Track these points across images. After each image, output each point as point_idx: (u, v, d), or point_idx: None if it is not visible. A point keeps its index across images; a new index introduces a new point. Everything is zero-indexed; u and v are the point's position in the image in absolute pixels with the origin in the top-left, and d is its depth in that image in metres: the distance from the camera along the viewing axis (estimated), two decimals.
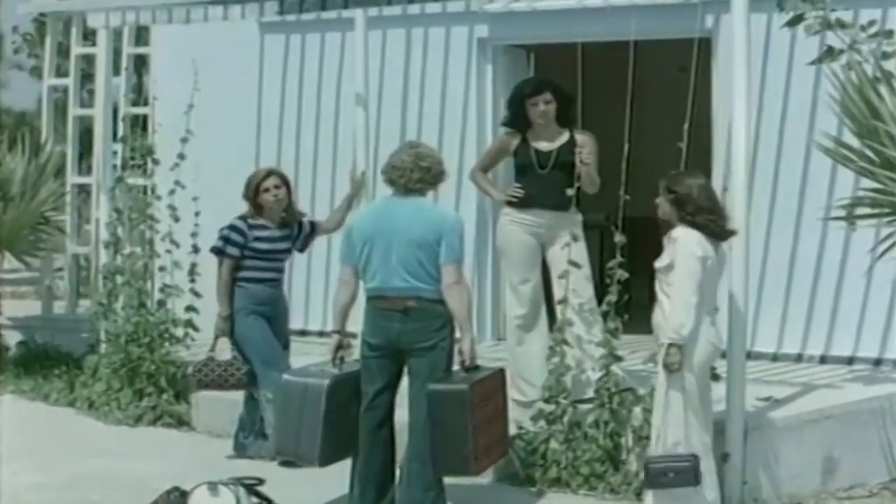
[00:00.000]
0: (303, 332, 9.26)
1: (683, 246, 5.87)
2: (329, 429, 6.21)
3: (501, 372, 6.38)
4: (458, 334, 6.12)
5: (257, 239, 7.36)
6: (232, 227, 7.38)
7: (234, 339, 7.36)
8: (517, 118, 7.34)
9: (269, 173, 7.53)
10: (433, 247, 6.06)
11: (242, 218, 7.41)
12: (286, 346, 7.58)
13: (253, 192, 7.41)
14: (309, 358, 7.85)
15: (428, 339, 6.08)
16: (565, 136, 7.26)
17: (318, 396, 6.19)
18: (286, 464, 7.05)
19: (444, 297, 6.04)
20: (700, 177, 6.12)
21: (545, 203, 7.19)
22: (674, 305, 5.85)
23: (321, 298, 9.32)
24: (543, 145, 7.27)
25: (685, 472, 5.84)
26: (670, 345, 5.83)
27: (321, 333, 9.14)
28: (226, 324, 7.33)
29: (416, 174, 6.17)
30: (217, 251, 7.38)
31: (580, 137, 7.23)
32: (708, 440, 6.02)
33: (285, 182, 7.50)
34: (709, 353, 6.01)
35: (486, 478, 6.81)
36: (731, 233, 6.10)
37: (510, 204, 7.32)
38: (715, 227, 5.97)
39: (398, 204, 6.23)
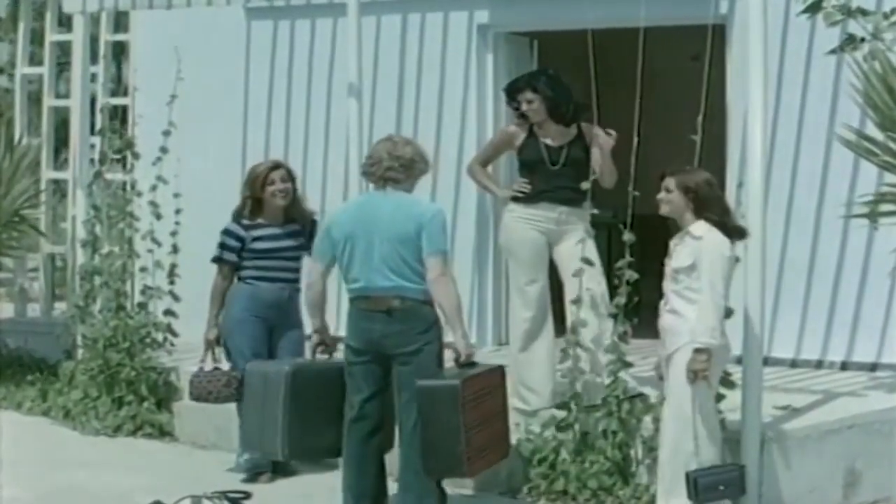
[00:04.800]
0: (308, 338, 9.23)
1: (712, 247, 5.91)
2: (293, 419, 6.30)
3: (500, 369, 6.40)
4: (448, 337, 6.15)
5: (256, 239, 7.26)
6: (227, 232, 7.28)
7: (223, 332, 7.28)
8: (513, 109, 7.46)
9: (277, 165, 7.42)
10: (415, 241, 6.11)
11: (237, 220, 7.30)
12: (297, 355, 7.24)
13: (259, 185, 7.28)
14: None
15: (412, 343, 6.11)
16: (573, 132, 7.32)
17: (277, 384, 6.33)
18: (251, 479, 7.07)
19: (430, 297, 6.08)
20: (703, 172, 6.15)
21: (556, 197, 7.22)
22: (705, 309, 5.89)
23: (332, 304, 9.30)
24: (552, 141, 7.31)
25: (734, 483, 5.96)
26: (698, 350, 5.85)
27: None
28: (213, 332, 7.27)
29: (386, 162, 6.25)
30: (216, 260, 7.30)
31: (589, 129, 7.29)
32: (716, 450, 6.07)
33: (292, 176, 7.41)
34: (723, 359, 6.07)
35: (489, 491, 6.85)
36: (743, 232, 6.12)
37: (516, 200, 7.35)
38: (728, 224, 6.00)
39: (378, 199, 6.32)
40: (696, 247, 5.94)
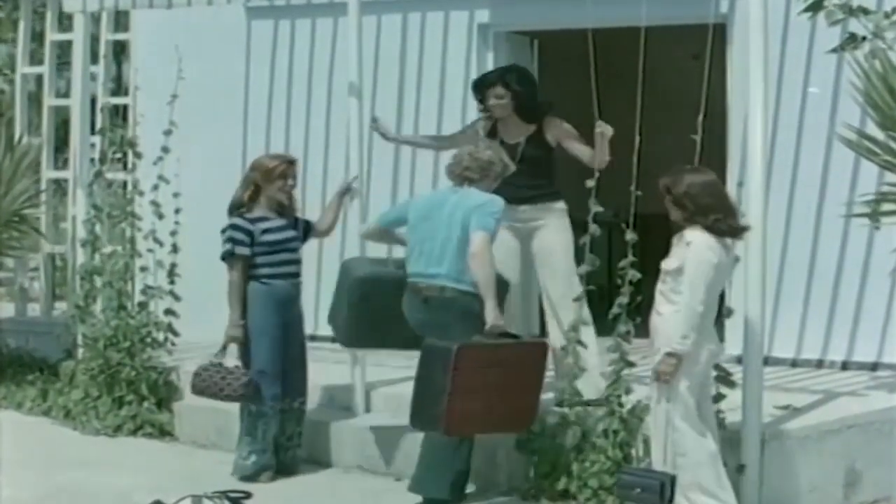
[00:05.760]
0: (313, 338, 9.26)
1: (697, 251, 5.89)
2: (359, 316, 7.12)
3: (537, 345, 6.63)
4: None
5: (265, 231, 7.25)
6: (234, 227, 7.24)
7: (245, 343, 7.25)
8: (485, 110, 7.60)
9: (292, 161, 7.46)
10: (467, 230, 6.48)
11: (239, 214, 7.28)
12: (303, 353, 7.43)
13: (275, 178, 7.27)
14: (321, 365, 7.90)
15: (445, 330, 6.40)
16: (532, 128, 7.44)
17: (351, 284, 7.18)
18: (252, 478, 7.10)
19: (473, 288, 6.45)
20: (702, 172, 6.12)
21: (514, 196, 7.22)
22: (679, 314, 5.87)
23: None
24: (509, 138, 7.45)
25: (651, 490, 5.91)
26: (668, 353, 5.85)
27: (334, 339, 9.15)
28: (238, 330, 7.22)
29: (465, 162, 6.77)
30: (228, 255, 7.24)
31: (552, 124, 7.41)
32: (713, 447, 6.05)
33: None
34: (708, 361, 6.06)
35: (489, 491, 6.86)
36: (743, 230, 6.10)
37: None
38: (723, 225, 5.97)
39: (448, 193, 6.81)
40: (683, 251, 5.94)
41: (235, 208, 7.34)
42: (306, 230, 7.56)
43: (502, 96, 7.40)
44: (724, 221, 5.97)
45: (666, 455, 5.99)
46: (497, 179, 6.84)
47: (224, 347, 7.22)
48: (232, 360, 7.21)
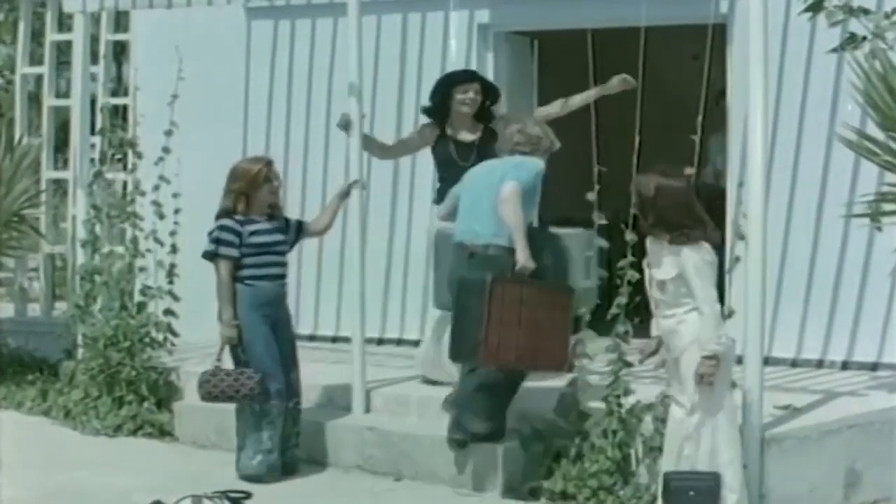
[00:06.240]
0: (312, 338, 9.28)
1: (693, 254, 5.90)
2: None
3: (565, 289, 6.85)
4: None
5: (253, 234, 7.26)
6: (223, 228, 7.25)
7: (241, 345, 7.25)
8: (440, 108, 7.72)
9: (269, 162, 7.46)
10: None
11: (228, 216, 7.29)
12: (293, 351, 7.43)
13: (261, 181, 7.28)
14: (319, 365, 7.89)
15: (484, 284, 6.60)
16: (480, 128, 7.68)
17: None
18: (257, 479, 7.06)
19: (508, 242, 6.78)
20: (662, 172, 6.08)
21: None
22: (706, 317, 5.93)
23: (333, 303, 9.35)
24: (464, 137, 7.65)
25: (704, 492, 5.95)
26: (707, 356, 5.88)
27: (334, 339, 9.18)
28: (233, 330, 7.20)
29: (516, 137, 7.08)
30: (210, 255, 7.25)
31: (497, 128, 7.56)
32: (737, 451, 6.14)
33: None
34: (732, 358, 6.11)
35: (489, 491, 6.87)
36: (715, 239, 6.07)
37: (438, 199, 7.64)
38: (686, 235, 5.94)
39: (498, 161, 7.13)
40: (676, 257, 5.95)
41: (225, 214, 7.29)
42: (298, 231, 7.56)
43: (479, 92, 7.65)
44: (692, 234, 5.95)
45: (680, 458, 6.02)
46: (545, 154, 7.11)
47: (222, 349, 7.22)
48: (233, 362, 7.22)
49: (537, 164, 7.01)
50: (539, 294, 6.73)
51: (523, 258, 6.73)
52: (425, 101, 8.03)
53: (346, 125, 7.76)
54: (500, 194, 6.78)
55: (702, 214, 6.05)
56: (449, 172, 7.59)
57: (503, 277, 6.64)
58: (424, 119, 7.90)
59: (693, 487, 5.98)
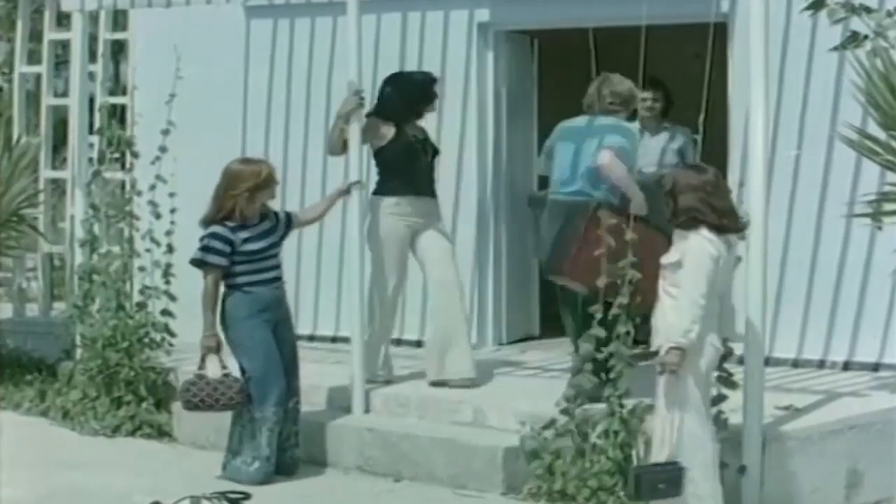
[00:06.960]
0: (311, 338, 9.26)
1: (695, 243, 5.87)
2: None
3: (664, 236, 6.64)
4: None
5: (246, 241, 7.17)
6: (213, 235, 7.15)
7: (231, 346, 7.20)
8: (419, 104, 7.91)
9: (267, 163, 7.45)
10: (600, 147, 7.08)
11: (221, 223, 7.16)
12: (294, 352, 7.39)
13: (271, 182, 7.23)
14: (320, 365, 7.87)
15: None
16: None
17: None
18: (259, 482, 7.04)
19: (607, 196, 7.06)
20: (698, 171, 6.08)
21: (427, 190, 7.85)
22: (681, 308, 5.84)
23: (332, 303, 9.34)
24: (419, 133, 7.90)
25: (673, 483, 5.90)
26: (672, 348, 5.83)
27: (334, 339, 9.16)
28: (212, 339, 7.14)
29: (608, 98, 7.34)
30: (198, 263, 7.17)
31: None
32: (710, 452, 6.03)
33: None
34: (713, 358, 6.04)
35: (489, 491, 6.85)
36: (735, 229, 6.06)
37: (391, 193, 7.75)
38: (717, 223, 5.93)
39: (587, 119, 7.39)
40: (684, 244, 5.93)
41: (217, 220, 7.19)
42: (288, 225, 7.45)
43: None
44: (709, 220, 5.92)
45: (663, 447, 5.99)
46: (632, 110, 7.51)
47: (203, 359, 7.15)
48: (215, 368, 7.12)
49: (632, 128, 7.41)
50: (641, 231, 6.61)
51: (637, 203, 6.95)
52: None
53: (356, 93, 7.80)
54: (598, 161, 7.07)
55: (722, 205, 5.95)
56: (408, 167, 7.78)
57: (608, 211, 6.75)
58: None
59: (660, 479, 5.93)
